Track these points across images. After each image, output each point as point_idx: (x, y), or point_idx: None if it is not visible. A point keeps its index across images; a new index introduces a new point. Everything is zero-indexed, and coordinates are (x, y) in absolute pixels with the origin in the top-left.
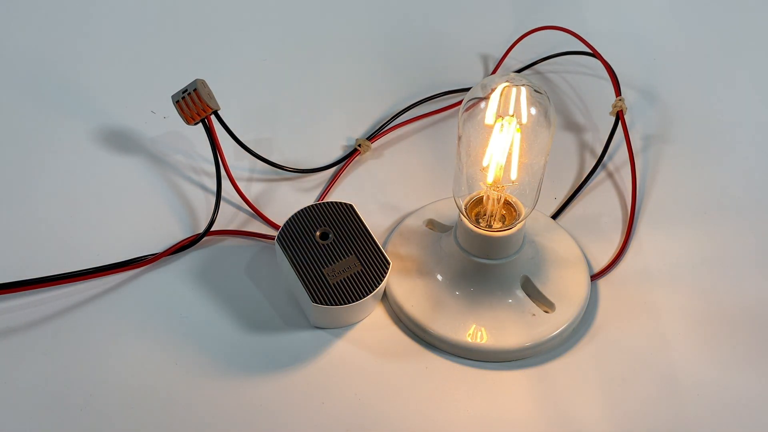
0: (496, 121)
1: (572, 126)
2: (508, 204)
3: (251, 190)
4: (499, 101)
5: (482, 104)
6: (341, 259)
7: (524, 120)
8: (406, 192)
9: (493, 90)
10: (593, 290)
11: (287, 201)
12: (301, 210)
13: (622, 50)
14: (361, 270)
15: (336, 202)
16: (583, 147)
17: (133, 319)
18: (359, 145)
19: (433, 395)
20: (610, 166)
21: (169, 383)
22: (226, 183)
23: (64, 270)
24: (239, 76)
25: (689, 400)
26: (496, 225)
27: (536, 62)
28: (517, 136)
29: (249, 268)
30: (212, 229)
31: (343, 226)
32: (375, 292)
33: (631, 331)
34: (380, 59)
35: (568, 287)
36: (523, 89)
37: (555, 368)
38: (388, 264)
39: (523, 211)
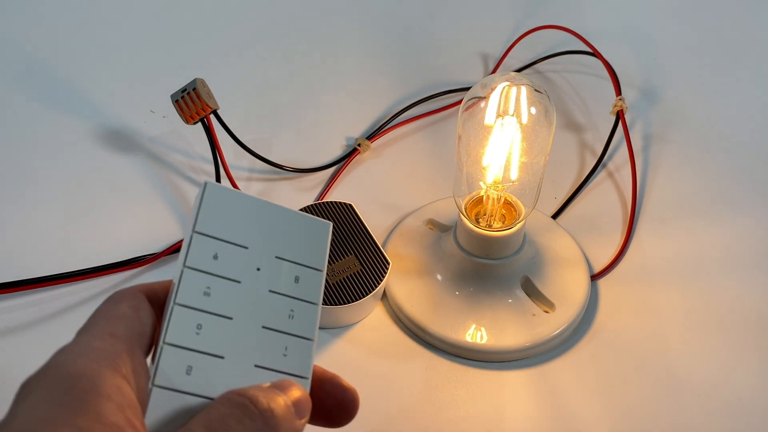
0: (496, 121)
1: (572, 125)
2: (508, 204)
3: (250, 190)
4: (499, 101)
5: (482, 104)
6: (340, 258)
7: (524, 119)
8: (406, 192)
9: (493, 89)
10: (593, 290)
11: (286, 201)
12: (301, 210)
13: (623, 50)
14: (361, 270)
15: (335, 202)
16: (583, 146)
17: None
18: (359, 145)
19: (433, 395)
20: (611, 166)
21: None
22: (225, 182)
23: (64, 270)
24: (239, 75)
25: (689, 400)
26: (496, 225)
27: (536, 61)
28: (517, 136)
29: None
30: None
31: (342, 226)
32: (374, 292)
33: (631, 331)
34: (380, 59)
35: (568, 287)
36: (524, 88)
37: (555, 368)
38: (388, 264)
39: (523, 210)
